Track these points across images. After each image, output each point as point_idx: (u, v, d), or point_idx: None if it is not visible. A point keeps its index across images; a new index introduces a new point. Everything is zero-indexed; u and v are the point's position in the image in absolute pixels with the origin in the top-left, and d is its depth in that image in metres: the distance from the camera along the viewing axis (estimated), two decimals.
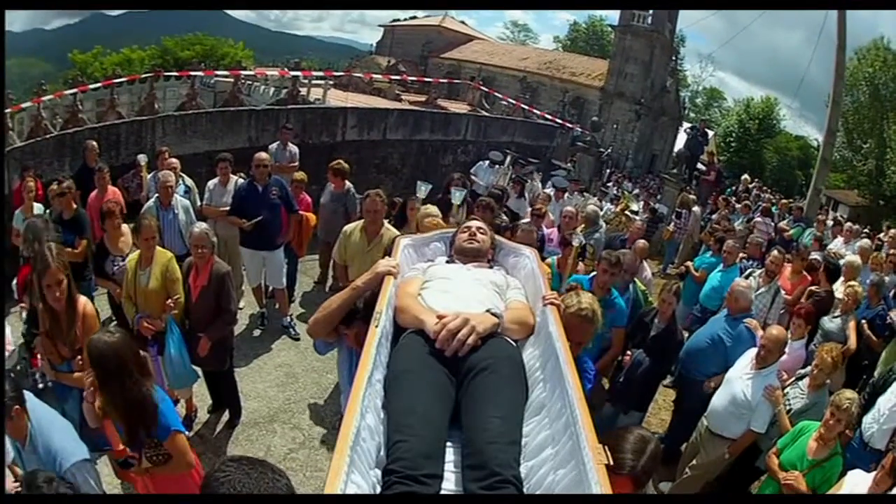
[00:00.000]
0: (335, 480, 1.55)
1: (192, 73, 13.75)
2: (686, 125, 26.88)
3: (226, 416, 5.70)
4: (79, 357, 3.67)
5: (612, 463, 1.72)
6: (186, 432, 3.39)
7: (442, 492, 1.90)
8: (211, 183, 7.23)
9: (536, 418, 2.20)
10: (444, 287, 2.68)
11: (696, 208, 12.39)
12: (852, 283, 6.75)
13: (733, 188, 18.31)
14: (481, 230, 3.16)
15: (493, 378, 2.17)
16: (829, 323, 6.40)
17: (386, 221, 6.14)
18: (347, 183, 7.91)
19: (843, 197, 34.85)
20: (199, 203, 7.35)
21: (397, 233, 5.69)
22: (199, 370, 5.23)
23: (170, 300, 4.93)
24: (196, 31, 46.06)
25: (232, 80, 18.06)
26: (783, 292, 6.90)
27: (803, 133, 48.57)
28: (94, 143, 8.02)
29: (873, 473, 3.64)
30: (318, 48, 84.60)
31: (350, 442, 1.69)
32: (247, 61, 38.66)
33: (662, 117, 34.68)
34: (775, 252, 7.06)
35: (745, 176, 19.78)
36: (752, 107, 46.16)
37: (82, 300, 3.84)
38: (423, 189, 5.66)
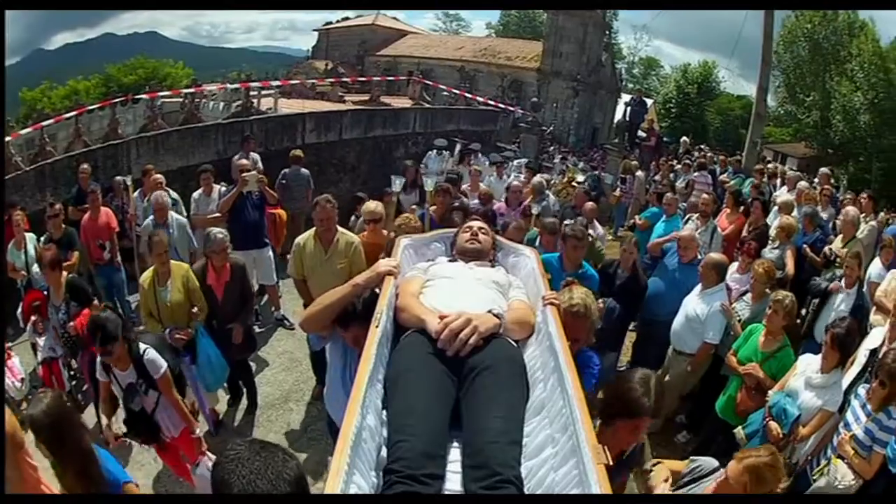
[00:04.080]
0: (335, 481, 1.58)
1: (158, 94, 14.04)
2: (625, 97, 27.61)
3: (242, 404, 6.09)
4: None
5: (611, 463, 1.74)
6: (133, 481, 3.29)
7: (443, 492, 1.93)
8: (196, 194, 7.68)
9: (537, 418, 2.22)
10: (446, 287, 2.69)
11: (639, 173, 13.01)
12: (786, 216, 7.47)
13: (677, 151, 18.99)
14: (483, 230, 3.17)
15: (495, 378, 2.19)
16: (769, 254, 6.98)
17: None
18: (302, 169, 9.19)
19: (791, 150, 35.07)
20: (185, 214, 7.67)
21: (354, 237, 5.73)
22: None
23: (195, 308, 5.22)
24: (134, 56, 45.58)
25: (178, 99, 17.90)
26: (720, 230, 7.72)
27: (745, 92, 48.80)
28: (87, 165, 8.27)
29: (821, 353, 4.22)
30: (252, 59, 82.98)
31: (350, 442, 1.71)
32: (187, 79, 38.37)
33: (600, 91, 35.13)
34: (704, 195, 7.89)
35: (685, 138, 20.50)
36: (689, 72, 46.42)
37: None
38: (397, 183, 5.78)
